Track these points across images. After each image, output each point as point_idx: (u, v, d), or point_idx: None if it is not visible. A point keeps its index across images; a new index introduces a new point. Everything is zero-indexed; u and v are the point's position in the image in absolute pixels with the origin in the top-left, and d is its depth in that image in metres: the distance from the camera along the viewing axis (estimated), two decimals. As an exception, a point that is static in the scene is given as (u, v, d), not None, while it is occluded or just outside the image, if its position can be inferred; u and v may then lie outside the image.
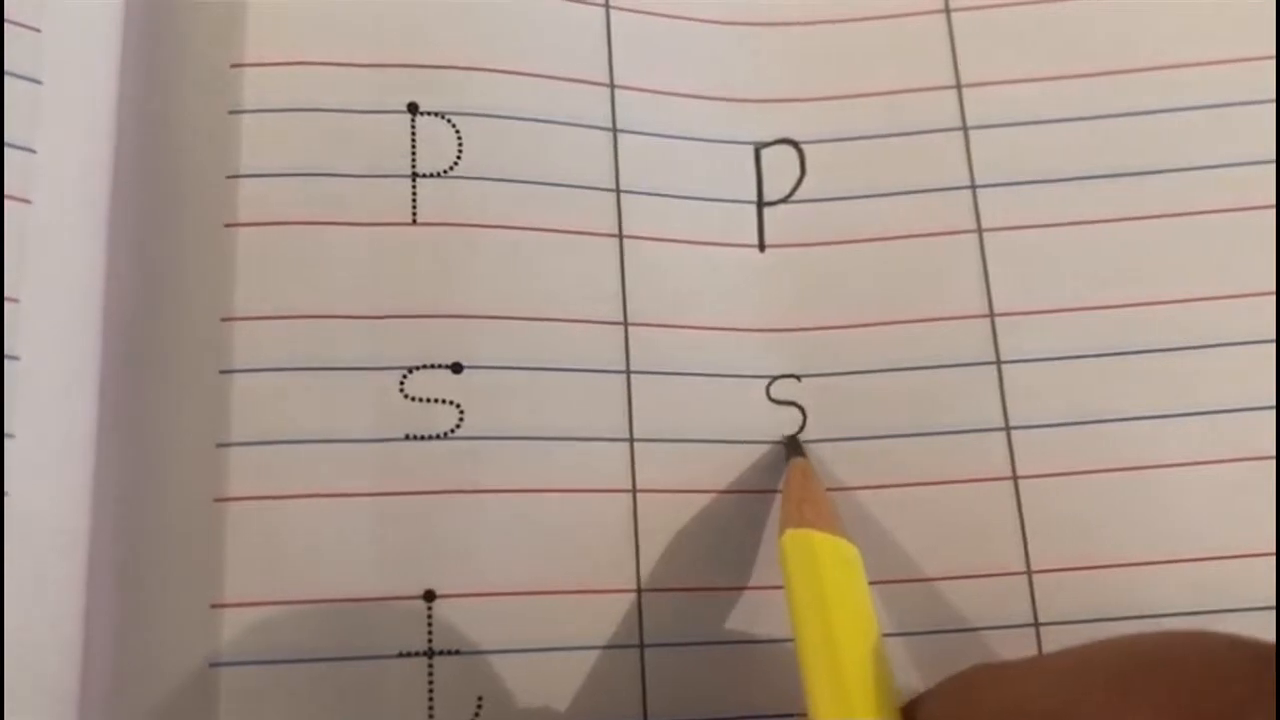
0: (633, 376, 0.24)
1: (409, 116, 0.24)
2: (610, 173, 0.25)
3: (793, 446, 0.23)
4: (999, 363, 0.25)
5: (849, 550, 0.20)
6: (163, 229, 0.23)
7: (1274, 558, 0.23)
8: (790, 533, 0.20)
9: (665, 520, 0.23)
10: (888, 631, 0.23)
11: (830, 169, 0.26)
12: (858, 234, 0.26)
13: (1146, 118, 0.26)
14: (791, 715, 0.23)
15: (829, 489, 0.23)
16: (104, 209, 0.23)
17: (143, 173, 0.23)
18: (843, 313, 0.25)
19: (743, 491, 0.24)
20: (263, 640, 0.21)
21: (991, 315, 0.25)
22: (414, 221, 0.24)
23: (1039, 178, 0.25)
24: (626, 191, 0.25)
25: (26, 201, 0.21)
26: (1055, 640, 0.23)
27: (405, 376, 0.23)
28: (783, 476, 0.23)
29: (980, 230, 0.25)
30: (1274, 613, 0.23)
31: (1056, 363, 0.24)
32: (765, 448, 0.24)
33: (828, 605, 0.19)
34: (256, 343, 0.22)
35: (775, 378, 0.25)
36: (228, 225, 0.23)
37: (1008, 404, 0.24)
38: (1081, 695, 0.15)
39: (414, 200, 0.24)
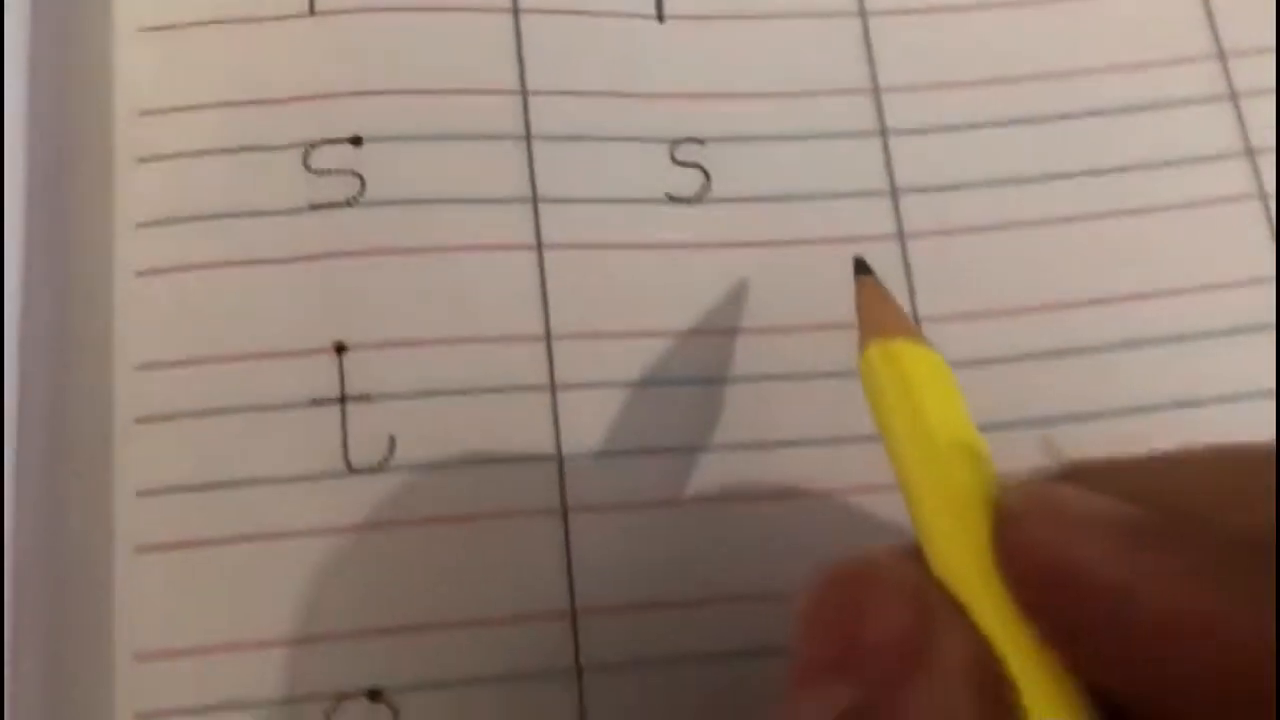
0: (533, 142, 0.25)
1: (305, -84, 0.25)
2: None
3: (861, 267, 0.22)
4: (884, 133, 0.26)
5: (938, 358, 0.19)
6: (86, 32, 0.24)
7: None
8: (875, 344, 0.19)
9: (572, 273, 0.24)
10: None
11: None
12: (750, 9, 0.26)
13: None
14: (700, 449, 0.23)
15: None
16: None
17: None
18: (739, 82, 0.26)
19: (647, 246, 0.24)
20: (175, 394, 0.22)
21: (876, 90, 0.26)
22: (311, 11, 0.25)
23: None
24: (519, -34, 0.26)
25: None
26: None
27: (308, 152, 0.24)
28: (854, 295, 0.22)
29: (864, 13, 0.27)
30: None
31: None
32: (670, 205, 0.25)
33: (925, 412, 0.17)
34: (165, 132, 0.24)
35: (678, 141, 0.25)
36: (140, 29, 0.25)
37: (894, 172, 0.25)
38: (1220, 480, 0.14)
39: (311, -8, 0.25)
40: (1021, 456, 0.24)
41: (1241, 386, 0.25)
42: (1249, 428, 0.24)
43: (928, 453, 0.17)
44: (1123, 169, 0.26)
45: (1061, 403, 0.24)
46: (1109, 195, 0.26)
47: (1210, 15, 0.27)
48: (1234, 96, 0.27)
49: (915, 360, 0.18)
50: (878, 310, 0.20)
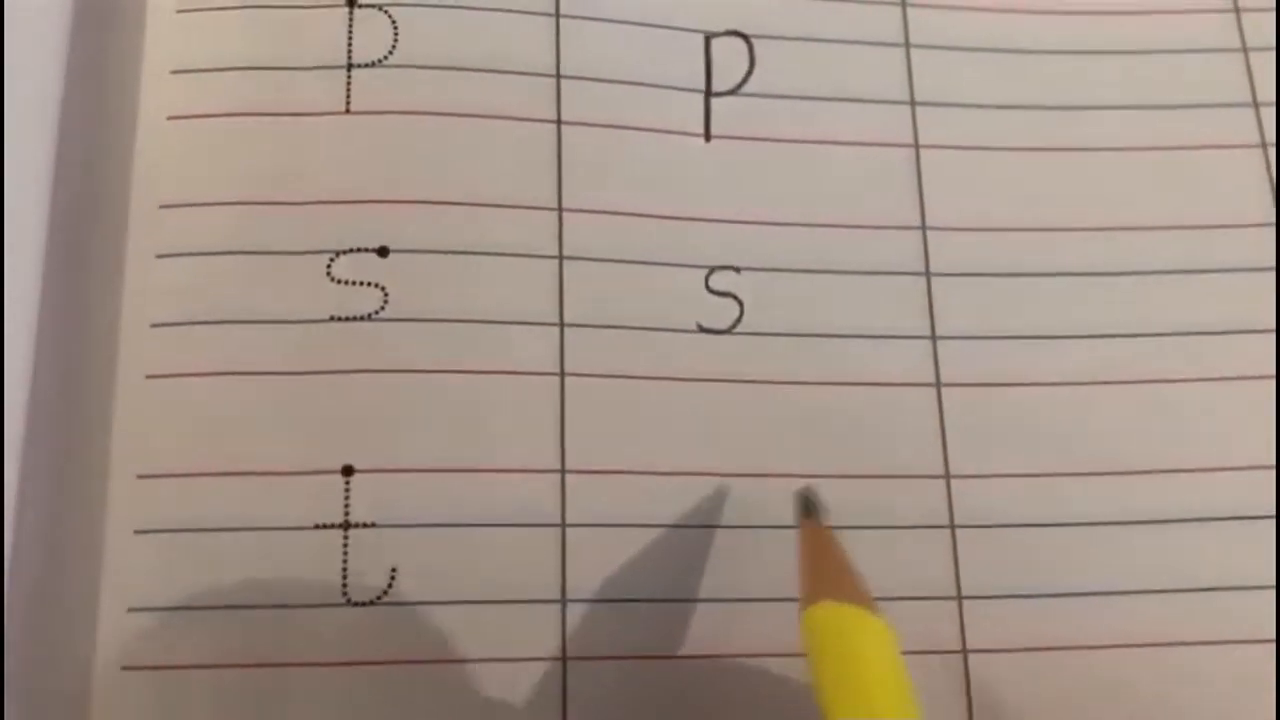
0: (565, 262, 0.24)
1: (347, 10, 0.24)
2: (551, 57, 0.25)
3: (807, 505, 0.22)
4: (928, 274, 0.25)
5: (886, 632, 0.18)
6: (111, 120, 0.24)
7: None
8: (825, 604, 0.18)
9: (593, 404, 0.23)
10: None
11: (778, 66, 0.26)
12: (802, 134, 0.25)
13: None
14: (713, 600, 0.23)
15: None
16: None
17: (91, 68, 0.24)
18: (783, 209, 0.25)
19: (675, 379, 0.24)
20: (184, 509, 0.22)
21: (924, 228, 0.25)
22: (347, 110, 0.24)
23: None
24: (567, 77, 0.25)
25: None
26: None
27: (332, 260, 0.23)
28: (798, 537, 0.21)
29: (917, 145, 0.25)
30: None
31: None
32: (701, 335, 0.24)
33: (870, 692, 0.17)
34: (185, 228, 0.23)
35: (714, 268, 0.24)
36: (169, 117, 0.24)
37: (935, 317, 0.25)
38: None
39: (348, 90, 0.24)
40: (1043, 632, 0.23)
41: (1252, 578, 0.24)
42: (1255, 621, 0.23)
43: None
44: (1161, 334, 0.25)
45: (1081, 576, 0.23)
46: (1144, 360, 0.25)
47: (1272, 181, 0.26)
48: None
49: (864, 633, 0.18)
50: (826, 559, 0.20)
